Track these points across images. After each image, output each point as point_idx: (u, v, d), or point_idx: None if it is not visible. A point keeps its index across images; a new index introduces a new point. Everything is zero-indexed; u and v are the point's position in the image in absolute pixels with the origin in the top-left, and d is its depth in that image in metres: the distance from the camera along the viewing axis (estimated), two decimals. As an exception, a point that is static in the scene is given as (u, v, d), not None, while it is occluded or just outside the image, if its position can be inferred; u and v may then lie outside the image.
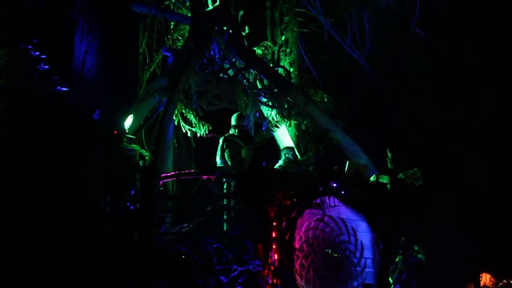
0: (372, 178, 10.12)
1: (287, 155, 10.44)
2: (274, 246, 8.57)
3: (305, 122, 11.13)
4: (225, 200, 9.43)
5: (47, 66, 8.99)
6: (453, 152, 13.10)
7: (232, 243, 8.56)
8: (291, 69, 12.01)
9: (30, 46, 8.95)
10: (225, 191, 9.49)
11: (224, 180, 9.44)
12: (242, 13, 11.55)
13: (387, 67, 14.32)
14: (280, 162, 10.40)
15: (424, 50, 14.04)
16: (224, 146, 10.22)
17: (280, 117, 10.95)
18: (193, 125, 10.58)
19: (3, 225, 7.75)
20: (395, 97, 14.11)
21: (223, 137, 10.36)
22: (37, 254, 7.63)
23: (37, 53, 8.98)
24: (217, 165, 10.11)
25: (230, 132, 10.41)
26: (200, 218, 8.86)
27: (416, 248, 9.60)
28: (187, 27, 11.38)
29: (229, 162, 10.01)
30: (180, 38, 11.63)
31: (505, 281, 10.66)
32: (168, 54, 11.11)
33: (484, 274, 10.70)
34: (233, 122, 10.47)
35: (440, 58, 14.06)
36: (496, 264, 11.14)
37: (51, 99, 8.98)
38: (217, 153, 10.29)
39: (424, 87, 14.02)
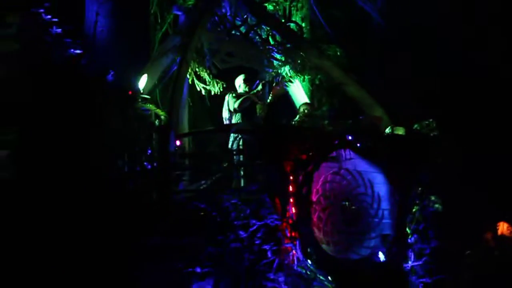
0: (387, 130, 10.05)
1: (305, 110, 10.38)
2: (291, 200, 8.60)
3: (318, 76, 11.06)
4: (241, 156, 9.47)
5: (59, 30, 8.98)
6: (468, 102, 12.93)
7: (250, 198, 8.57)
8: (303, 24, 11.84)
9: (42, 10, 8.93)
10: (241, 147, 9.52)
11: (240, 136, 9.49)
12: (252, -32, 11.38)
13: (401, 20, 14.13)
14: (297, 118, 10.35)
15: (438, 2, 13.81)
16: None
17: (294, 72, 10.88)
18: (207, 83, 10.56)
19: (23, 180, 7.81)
20: (409, 50, 13.93)
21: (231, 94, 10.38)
22: (53, 214, 7.66)
23: (49, 16, 8.95)
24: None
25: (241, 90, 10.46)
26: (218, 174, 8.90)
27: (433, 198, 9.58)
28: (198, -15, 11.24)
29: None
30: (191, -4, 11.46)
31: (522, 229, 10.61)
32: (180, 13, 11.02)
33: (501, 223, 10.64)
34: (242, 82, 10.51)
35: (455, 10, 13.82)
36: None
37: (64, 62, 8.97)
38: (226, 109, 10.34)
39: (438, 39, 13.80)
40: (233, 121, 10.26)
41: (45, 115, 8.43)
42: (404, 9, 13.99)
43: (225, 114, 10.39)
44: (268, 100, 10.63)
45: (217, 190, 8.66)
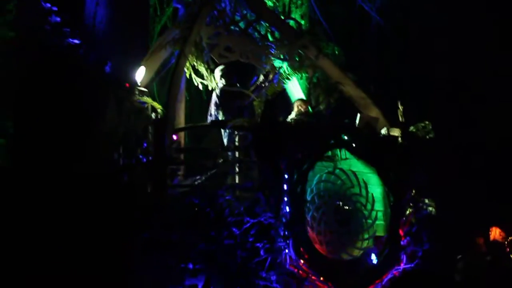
0: (383, 131, 10.02)
1: (299, 107, 10.34)
2: (285, 199, 8.59)
3: (316, 74, 11.01)
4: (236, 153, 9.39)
5: (58, 18, 8.92)
6: (464, 105, 12.95)
7: (244, 195, 8.62)
8: (302, 22, 11.84)
9: (41, -2, 8.87)
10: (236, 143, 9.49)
11: (236, 133, 9.43)
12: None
13: (399, 19, 14.14)
14: (292, 115, 10.31)
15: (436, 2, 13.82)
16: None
17: (291, 69, 10.80)
18: (205, 78, 10.48)
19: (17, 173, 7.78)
20: (407, 50, 13.94)
21: (219, 89, 10.29)
22: (47, 206, 7.62)
23: (48, 5, 8.91)
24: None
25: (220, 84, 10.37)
26: (212, 170, 8.84)
27: (426, 201, 9.61)
28: (198, -21, 11.18)
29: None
30: (191, -10, 11.41)
31: (515, 236, 10.67)
32: (179, 6, 11.00)
33: (494, 228, 10.67)
34: (224, 74, 10.40)
35: (453, 11, 13.83)
36: (506, 218, 11.11)
37: (62, 51, 8.90)
38: (214, 106, 10.23)
39: (436, 39, 13.81)
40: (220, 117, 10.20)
41: (41, 104, 8.40)
42: (403, 8, 14.00)
43: (212, 111, 10.27)
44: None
45: (211, 186, 8.61)
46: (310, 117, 9.80)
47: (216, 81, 10.53)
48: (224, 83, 10.37)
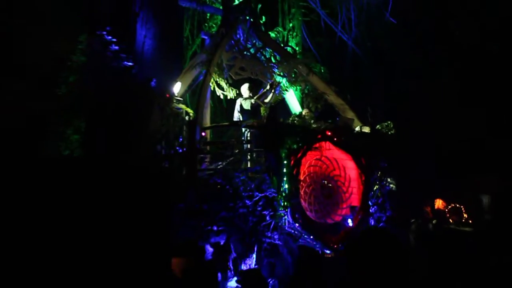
0: (357, 129, 10.04)
1: (305, 114, 10.30)
2: (285, 179, 8.63)
3: (307, 87, 11.00)
4: (248, 145, 9.46)
5: (117, 47, 8.95)
6: (417, 108, 12.84)
7: (254, 176, 8.63)
8: (297, 48, 11.92)
9: (104, 32, 8.93)
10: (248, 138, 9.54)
11: (248, 130, 9.48)
12: (260, 6, 11.37)
13: (368, 46, 14.11)
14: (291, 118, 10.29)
15: (396, 33, 13.77)
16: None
17: (289, 83, 10.83)
18: (225, 90, 10.54)
19: (88, 162, 7.82)
20: (375, 68, 13.89)
21: (243, 99, 10.31)
22: (112, 185, 7.65)
23: (110, 37, 8.95)
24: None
25: (246, 96, 10.37)
26: (231, 158, 8.89)
27: (389, 180, 9.63)
28: (219, 17, 11.21)
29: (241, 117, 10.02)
30: (214, 25, 11.47)
31: (453, 205, 10.63)
32: (206, 37, 11.03)
33: (438, 200, 10.65)
34: (247, 89, 10.40)
35: (409, 39, 13.77)
36: (447, 192, 11.08)
37: (120, 71, 8.95)
38: (237, 110, 10.28)
39: (397, 61, 13.74)
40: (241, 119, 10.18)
41: (105, 109, 8.44)
42: (372, 38, 13.99)
43: (236, 114, 10.28)
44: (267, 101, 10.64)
45: (230, 170, 8.62)
46: (303, 118, 9.75)
47: (242, 93, 10.51)
48: (249, 95, 10.39)
